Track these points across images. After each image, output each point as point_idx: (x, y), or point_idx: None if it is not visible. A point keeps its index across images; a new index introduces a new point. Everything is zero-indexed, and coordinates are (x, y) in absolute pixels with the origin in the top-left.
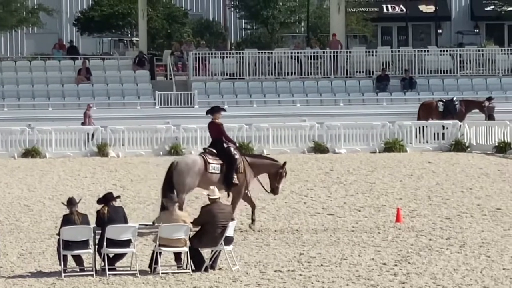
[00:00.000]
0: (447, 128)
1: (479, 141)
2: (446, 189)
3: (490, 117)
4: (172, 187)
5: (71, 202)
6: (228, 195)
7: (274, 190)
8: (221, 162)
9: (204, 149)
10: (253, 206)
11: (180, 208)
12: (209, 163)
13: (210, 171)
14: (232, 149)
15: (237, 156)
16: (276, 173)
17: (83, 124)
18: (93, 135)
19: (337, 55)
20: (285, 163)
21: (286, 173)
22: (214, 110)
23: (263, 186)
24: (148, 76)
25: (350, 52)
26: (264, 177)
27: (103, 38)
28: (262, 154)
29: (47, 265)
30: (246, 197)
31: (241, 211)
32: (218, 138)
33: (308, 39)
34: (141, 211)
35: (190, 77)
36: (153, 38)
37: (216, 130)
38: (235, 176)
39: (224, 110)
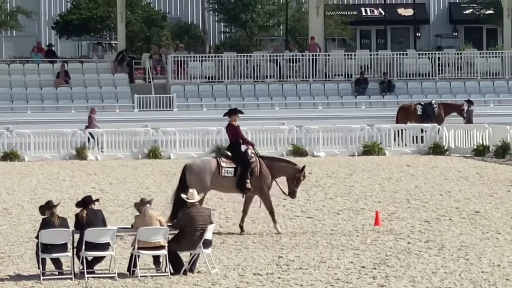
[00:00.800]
0: (425, 131)
1: (458, 144)
2: (425, 192)
3: (468, 120)
4: (185, 188)
5: (49, 206)
6: (243, 196)
7: (291, 194)
8: (235, 165)
9: (221, 151)
10: (245, 212)
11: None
12: (222, 166)
13: (223, 174)
14: (249, 152)
15: (252, 160)
16: (294, 177)
17: (87, 127)
18: (92, 137)
19: (315, 59)
20: (304, 166)
21: (304, 177)
22: (231, 112)
23: (281, 189)
24: (127, 80)
25: (328, 55)
26: (281, 180)
27: (81, 41)
28: (281, 157)
29: (25, 268)
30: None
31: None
32: (235, 141)
33: (287, 42)
34: (120, 214)
35: (168, 80)
36: (131, 42)
37: (232, 133)
38: (248, 181)
39: (242, 112)
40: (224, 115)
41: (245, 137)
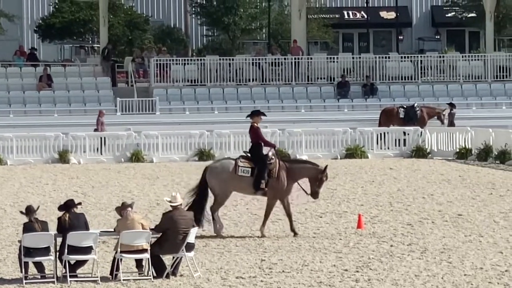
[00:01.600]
0: (408, 134)
1: (440, 147)
2: (408, 195)
3: (451, 123)
4: (205, 190)
5: (29, 210)
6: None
7: (314, 194)
8: (252, 165)
9: (244, 152)
10: (289, 216)
11: (215, 208)
12: (238, 166)
13: (239, 173)
14: (270, 154)
15: (271, 161)
16: (316, 177)
17: (95, 130)
18: (105, 141)
19: (298, 62)
20: (326, 167)
21: (327, 177)
22: (253, 114)
23: (304, 190)
24: (110, 83)
25: (311, 58)
26: (304, 181)
27: (64, 44)
28: (303, 159)
29: (8, 272)
30: (285, 204)
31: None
32: (256, 142)
33: (269, 45)
34: (102, 218)
35: (151, 83)
36: (114, 45)
37: (254, 134)
38: (264, 181)
39: (264, 114)
40: (247, 116)
41: (265, 139)
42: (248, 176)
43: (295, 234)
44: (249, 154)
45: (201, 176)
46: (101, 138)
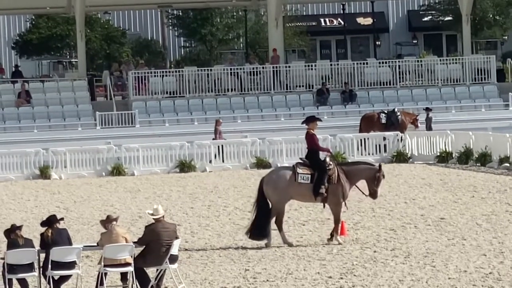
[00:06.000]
0: (388, 139)
1: (421, 151)
2: (389, 200)
3: (429, 128)
4: (264, 200)
5: (13, 229)
6: (324, 206)
7: (372, 194)
8: (311, 172)
9: (300, 159)
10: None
11: (279, 219)
12: (298, 173)
13: (299, 181)
14: (327, 159)
15: (330, 167)
16: (373, 177)
17: (214, 139)
18: (221, 150)
19: (277, 70)
20: (380, 165)
21: (384, 176)
22: (309, 120)
23: (362, 192)
24: (88, 97)
25: (289, 66)
26: (361, 182)
27: (42, 60)
28: (357, 161)
29: None
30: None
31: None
32: (312, 149)
33: (247, 55)
34: (85, 232)
35: (130, 96)
36: (92, 59)
37: (309, 140)
38: (324, 187)
39: (320, 120)
40: (302, 122)
41: (320, 145)
42: (308, 182)
43: (332, 238)
44: (306, 161)
45: (258, 187)
46: (218, 146)
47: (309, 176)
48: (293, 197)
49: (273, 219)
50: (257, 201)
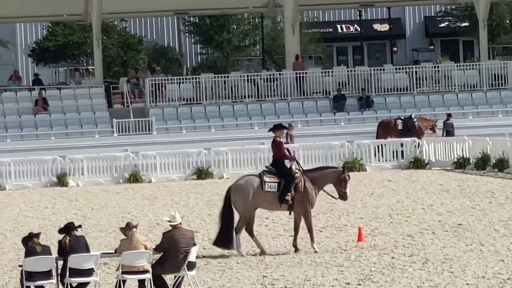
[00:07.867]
0: (405, 145)
1: (438, 157)
2: (407, 206)
3: (448, 133)
4: (230, 208)
5: (31, 236)
6: (290, 213)
7: (342, 197)
8: (278, 180)
9: (266, 167)
10: (296, 229)
11: (249, 226)
12: (265, 181)
13: (266, 189)
14: (293, 167)
15: (296, 175)
16: (339, 179)
17: (286, 143)
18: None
19: (295, 77)
20: (344, 167)
21: (349, 176)
22: (276, 128)
23: (331, 195)
24: (105, 104)
25: (306, 73)
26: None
27: (58, 68)
28: (320, 166)
29: None
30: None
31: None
32: (278, 157)
33: (264, 61)
34: (102, 240)
35: (147, 103)
36: (108, 66)
37: (276, 148)
38: (290, 194)
39: (286, 128)
40: (269, 130)
41: (286, 153)
42: (274, 191)
43: (296, 249)
44: (273, 169)
45: (225, 195)
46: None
47: (276, 184)
48: (259, 205)
49: (244, 228)
50: (222, 210)
